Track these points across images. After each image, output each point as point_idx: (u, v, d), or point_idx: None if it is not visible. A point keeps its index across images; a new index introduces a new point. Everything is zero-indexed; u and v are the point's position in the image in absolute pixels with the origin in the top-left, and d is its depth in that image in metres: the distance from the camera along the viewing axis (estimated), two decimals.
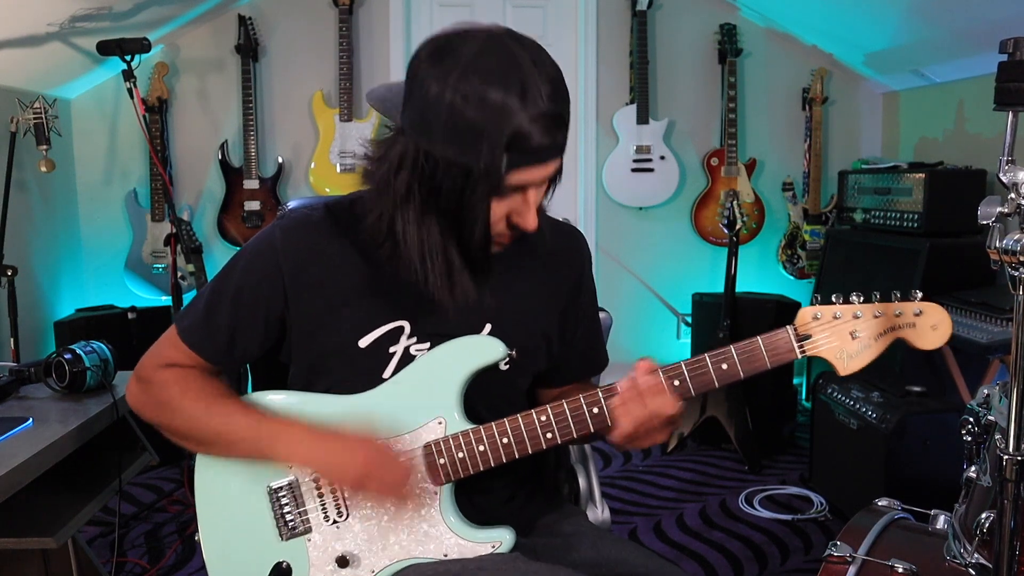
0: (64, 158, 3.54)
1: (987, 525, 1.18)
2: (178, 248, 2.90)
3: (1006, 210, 0.97)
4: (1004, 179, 0.97)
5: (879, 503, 1.49)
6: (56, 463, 1.39)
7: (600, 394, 1.11)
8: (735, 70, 3.84)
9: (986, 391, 1.38)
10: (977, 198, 1.04)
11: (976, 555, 1.21)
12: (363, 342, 1.16)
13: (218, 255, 3.70)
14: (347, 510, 1.16)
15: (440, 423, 1.14)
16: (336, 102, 3.72)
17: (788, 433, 3.39)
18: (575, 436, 1.13)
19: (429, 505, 1.14)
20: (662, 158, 3.86)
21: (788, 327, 1.08)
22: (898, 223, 3.14)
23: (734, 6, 3.92)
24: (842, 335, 1.07)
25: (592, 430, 1.12)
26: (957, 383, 2.74)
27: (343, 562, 1.15)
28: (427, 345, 1.17)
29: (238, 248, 1.33)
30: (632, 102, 3.86)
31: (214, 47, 3.73)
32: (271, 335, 1.20)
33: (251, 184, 3.66)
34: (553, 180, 1.10)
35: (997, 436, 1.19)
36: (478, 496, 1.20)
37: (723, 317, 3.26)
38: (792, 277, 3.96)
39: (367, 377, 1.17)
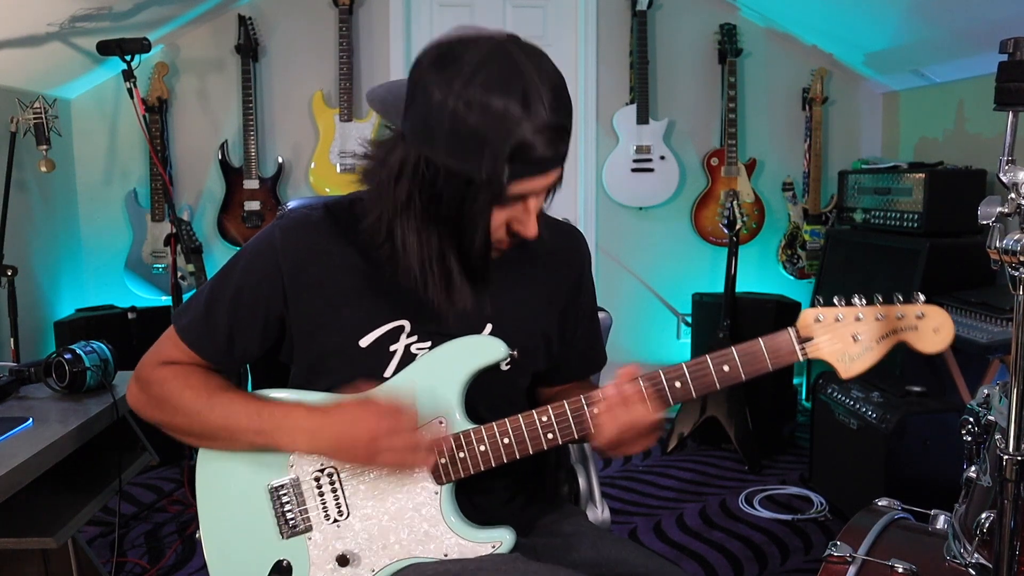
0: (64, 158, 3.54)
1: (987, 525, 1.18)
2: (178, 248, 2.90)
3: (1006, 210, 0.97)
4: (1004, 179, 0.97)
5: (879, 503, 1.49)
6: (56, 463, 1.39)
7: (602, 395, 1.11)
8: (735, 70, 3.84)
9: (986, 391, 1.38)
10: (977, 198, 1.04)
11: (976, 555, 1.21)
12: (364, 342, 1.16)
13: (218, 255, 3.70)
14: (348, 509, 1.16)
15: (441, 423, 1.14)
16: (336, 102, 3.72)
17: (788, 433, 3.39)
18: (576, 436, 1.13)
19: (430, 505, 1.14)
20: (662, 158, 3.86)
21: (790, 329, 1.08)
22: (898, 223, 3.14)
23: (734, 6, 3.92)
24: (844, 338, 1.07)
25: (592, 431, 1.12)
26: (957, 383, 2.74)
27: (343, 561, 1.15)
28: (428, 344, 1.17)
29: (238, 248, 1.33)
30: (632, 102, 3.86)
31: (214, 47, 3.73)
32: (270, 335, 1.20)
33: (251, 184, 3.66)
34: (553, 187, 1.10)
35: (997, 436, 1.20)
36: (478, 496, 1.20)
37: (723, 317, 3.26)
38: (792, 277, 3.96)
39: (368, 376, 1.16)
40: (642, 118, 3.82)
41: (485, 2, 3.87)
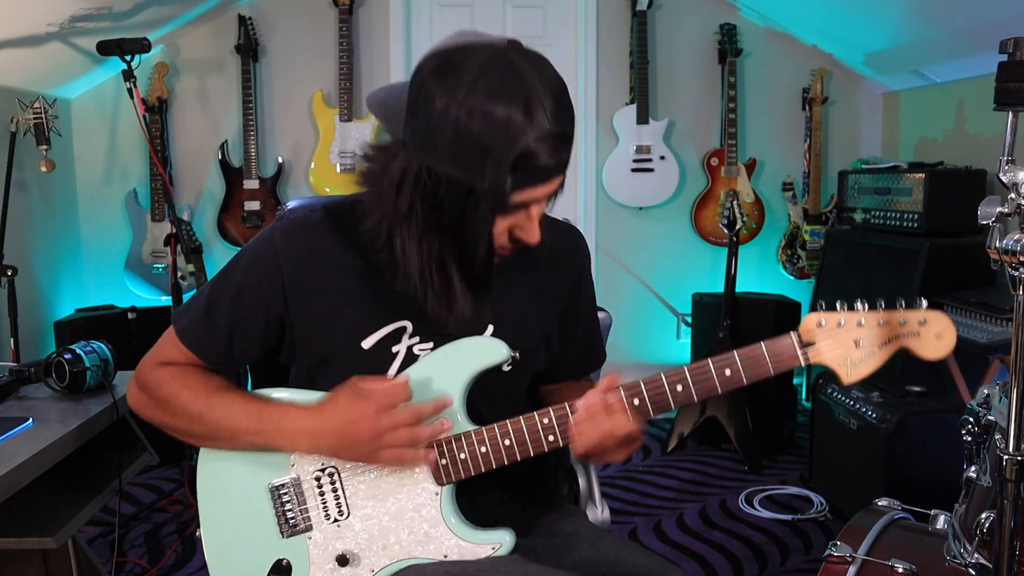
0: (64, 158, 3.54)
1: (987, 525, 1.18)
2: (178, 248, 2.90)
3: (1006, 210, 0.97)
4: (1004, 179, 0.97)
5: (879, 503, 1.49)
6: (56, 463, 1.39)
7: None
8: (735, 70, 3.84)
9: (986, 391, 1.38)
10: (977, 198, 1.04)
11: (976, 555, 1.21)
12: (366, 343, 1.16)
13: (218, 255, 3.70)
14: (348, 509, 1.16)
15: (444, 424, 1.14)
16: (336, 102, 3.72)
17: (788, 433, 3.39)
18: None
19: (430, 506, 1.14)
20: (662, 158, 3.86)
21: (792, 333, 1.07)
22: (898, 223, 3.14)
23: (734, 6, 3.92)
24: (846, 343, 1.06)
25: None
26: (957, 383, 2.74)
27: (343, 561, 1.15)
28: (430, 345, 1.17)
29: (238, 248, 1.34)
30: (632, 102, 3.86)
31: (214, 47, 3.73)
32: (270, 336, 1.20)
33: (251, 184, 3.66)
34: (556, 194, 1.10)
35: (997, 436, 1.20)
36: (478, 496, 1.20)
37: (723, 317, 3.26)
38: (792, 277, 3.96)
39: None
40: (642, 118, 3.82)
41: (485, 2, 3.87)
